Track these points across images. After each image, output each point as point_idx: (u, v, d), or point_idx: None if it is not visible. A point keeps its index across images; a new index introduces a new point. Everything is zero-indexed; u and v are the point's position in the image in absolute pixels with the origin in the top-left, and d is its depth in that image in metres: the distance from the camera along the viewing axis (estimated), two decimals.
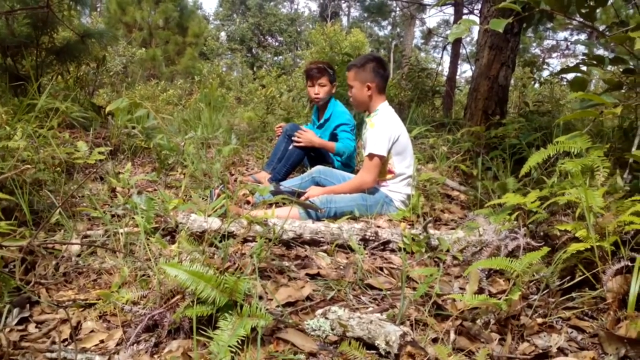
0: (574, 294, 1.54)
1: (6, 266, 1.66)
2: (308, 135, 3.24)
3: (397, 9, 11.32)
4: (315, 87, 3.45)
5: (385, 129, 2.60)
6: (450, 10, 8.62)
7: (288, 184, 3.00)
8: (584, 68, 2.52)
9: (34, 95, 3.67)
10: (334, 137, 3.42)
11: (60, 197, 2.26)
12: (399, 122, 2.71)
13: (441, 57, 9.27)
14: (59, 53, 5.01)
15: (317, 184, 2.91)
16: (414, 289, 1.69)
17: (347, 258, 2.00)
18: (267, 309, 1.35)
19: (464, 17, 7.46)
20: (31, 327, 1.36)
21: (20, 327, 1.35)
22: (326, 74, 3.43)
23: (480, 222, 2.02)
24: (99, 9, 16.97)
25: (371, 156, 2.59)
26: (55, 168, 2.56)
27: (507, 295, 1.43)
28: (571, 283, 1.56)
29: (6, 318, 1.34)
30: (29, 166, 1.77)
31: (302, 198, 2.60)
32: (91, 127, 3.74)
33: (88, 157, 2.75)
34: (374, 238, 2.07)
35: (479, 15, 4.56)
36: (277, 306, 1.46)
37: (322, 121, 3.55)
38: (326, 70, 3.43)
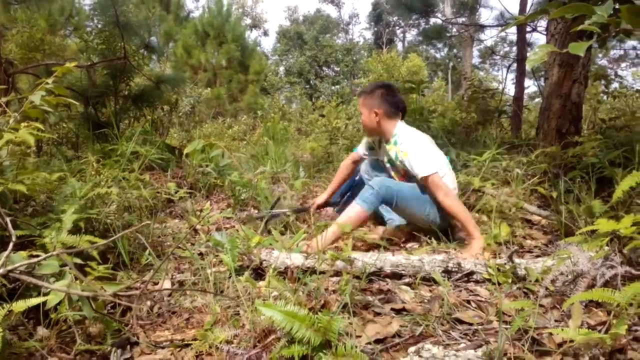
0: None
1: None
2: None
3: (454, 30, 11.24)
4: None
5: (419, 148, 2.57)
6: (512, 28, 8.45)
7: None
8: None
9: (115, 141, 3.92)
10: None
11: (149, 238, 2.38)
12: (423, 135, 2.71)
13: (505, 77, 9.08)
14: (135, 99, 5.34)
15: None
16: (506, 322, 1.63)
17: (430, 291, 1.96)
18: (358, 347, 1.35)
19: (527, 34, 7.29)
20: None
21: None
22: None
23: (572, 250, 1.92)
24: (165, 54, 17.97)
25: (427, 178, 2.49)
26: (142, 211, 2.70)
27: (608, 328, 1.35)
28: None
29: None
30: (148, 222, 1.87)
31: None
32: (168, 168, 3.94)
33: (174, 195, 2.90)
34: (456, 269, 2.02)
35: (545, 33, 4.44)
36: (368, 343, 1.45)
37: None
38: None
